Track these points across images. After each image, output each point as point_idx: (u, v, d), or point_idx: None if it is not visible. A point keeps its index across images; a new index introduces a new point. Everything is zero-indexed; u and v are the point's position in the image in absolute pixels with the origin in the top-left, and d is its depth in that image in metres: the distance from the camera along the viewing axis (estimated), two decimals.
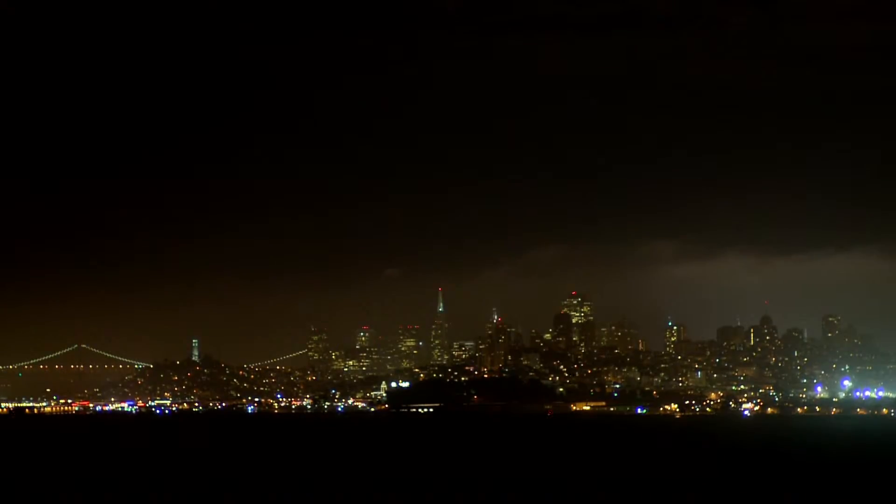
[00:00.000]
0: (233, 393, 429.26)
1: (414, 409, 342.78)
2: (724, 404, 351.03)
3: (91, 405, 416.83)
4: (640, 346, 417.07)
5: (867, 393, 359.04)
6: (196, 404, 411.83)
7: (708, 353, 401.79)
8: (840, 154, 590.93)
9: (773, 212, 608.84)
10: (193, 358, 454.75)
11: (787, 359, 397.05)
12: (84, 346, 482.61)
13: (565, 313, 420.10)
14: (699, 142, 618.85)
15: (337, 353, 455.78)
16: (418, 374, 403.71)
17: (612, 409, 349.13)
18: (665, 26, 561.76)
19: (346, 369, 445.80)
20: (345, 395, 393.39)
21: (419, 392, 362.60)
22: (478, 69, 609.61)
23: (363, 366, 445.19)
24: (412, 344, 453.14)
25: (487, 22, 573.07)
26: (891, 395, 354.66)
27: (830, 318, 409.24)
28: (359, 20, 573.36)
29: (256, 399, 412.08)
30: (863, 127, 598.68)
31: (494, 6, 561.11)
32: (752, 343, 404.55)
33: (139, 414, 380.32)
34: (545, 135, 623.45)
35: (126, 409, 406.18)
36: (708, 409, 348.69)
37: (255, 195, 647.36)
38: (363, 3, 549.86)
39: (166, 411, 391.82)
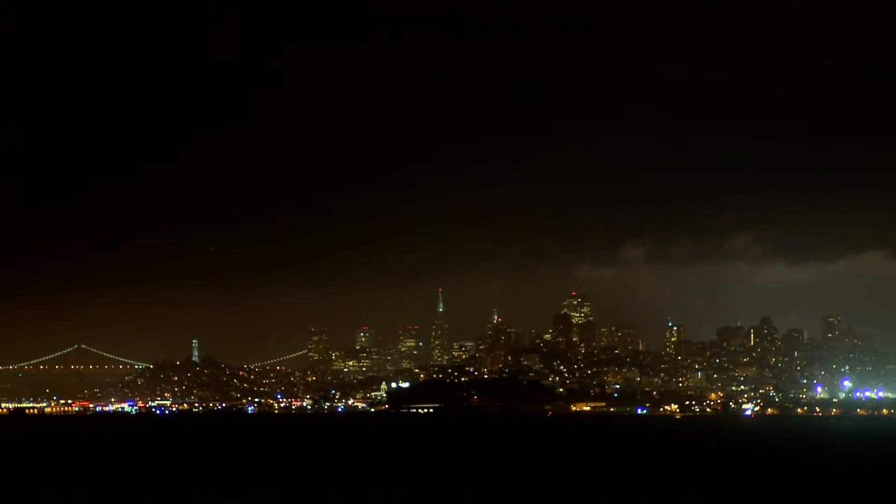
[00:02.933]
0: (233, 393, 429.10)
1: (414, 410, 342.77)
2: (725, 404, 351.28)
3: (91, 405, 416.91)
4: (640, 346, 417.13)
5: (867, 393, 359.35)
6: (196, 405, 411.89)
7: (708, 353, 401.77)
8: (837, 159, 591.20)
9: (774, 212, 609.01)
10: (193, 358, 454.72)
11: (787, 359, 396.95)
12: (84, 346, 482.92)
13: (565, 313, 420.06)
14: (690, 142, 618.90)
15: (337, 353, 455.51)
16: (418, 374, 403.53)
17: (612, 409, 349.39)
18: (618, 31, 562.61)
19: (346, 370, 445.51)
20: (345, 396, 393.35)
21: (419, 392, 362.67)
22: (486, 71, 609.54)
23: (363, 366, 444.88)
24: (412, 344, 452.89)
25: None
26: (891, 395, 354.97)
27: (830, 319, 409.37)
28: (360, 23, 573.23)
29: (256, 399, 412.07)
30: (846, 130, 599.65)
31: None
32: (752, 343, 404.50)
33: (139, 414, 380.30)
34: (545, 134, 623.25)
35: (126, 409, 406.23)
36: (708, 409, 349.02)
37: (255, 196, 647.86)
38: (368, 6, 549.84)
39: (166, 412, 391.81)
